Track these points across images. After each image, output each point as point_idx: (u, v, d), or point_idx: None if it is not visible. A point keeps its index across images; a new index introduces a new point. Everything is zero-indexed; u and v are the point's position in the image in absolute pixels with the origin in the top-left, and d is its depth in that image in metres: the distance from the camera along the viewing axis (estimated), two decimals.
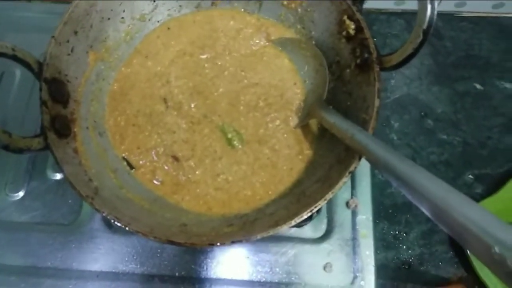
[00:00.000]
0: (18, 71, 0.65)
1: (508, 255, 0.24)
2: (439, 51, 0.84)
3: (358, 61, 0.48)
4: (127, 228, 0.40)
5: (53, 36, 0.46)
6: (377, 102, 0.44)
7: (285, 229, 0.53)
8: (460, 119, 0.80)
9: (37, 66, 0.46)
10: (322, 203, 0.41)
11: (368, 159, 0.41)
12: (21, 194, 0.58)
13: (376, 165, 0.40)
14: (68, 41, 0.48)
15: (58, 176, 0.58)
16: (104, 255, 0.54)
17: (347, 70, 0.50)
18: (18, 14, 0.71)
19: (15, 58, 0.44)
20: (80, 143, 0.47)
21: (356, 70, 0.49)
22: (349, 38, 0.49)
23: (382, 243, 0.71)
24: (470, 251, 0.29)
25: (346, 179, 0.42)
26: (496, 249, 0.25)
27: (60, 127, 0.45)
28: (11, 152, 0.40)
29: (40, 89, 0.44)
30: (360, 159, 0.42)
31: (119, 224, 0.40)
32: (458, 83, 0.82)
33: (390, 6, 0.82)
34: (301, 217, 0.40)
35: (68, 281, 0.53)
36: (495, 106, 0.79)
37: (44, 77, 0.45)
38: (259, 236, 0.40)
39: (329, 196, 0.41)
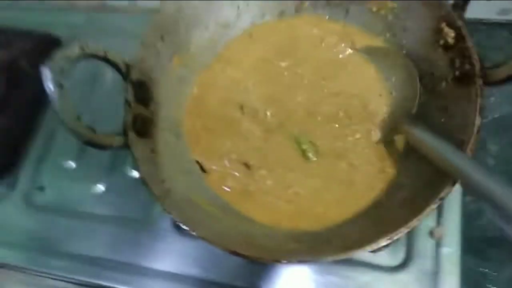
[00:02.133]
0: (109, 74, 0.69)
1: None
2: None
3: (457, 73, 0.43)
4: (194, 233, 0.40)
5: (141, 41, 0.48)
6: (478, 121, 0.39)
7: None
8: None
9: (125, 68, 0.48)
10: (404, 231, 0.36)
11: (463, 185, 0.36)
12: (102, 188, 0.62)
13: (473, 192, 0.35)
14: (155, 46, 0.50)
15: (135, 174, 0.61)
16: (170, 256, 0.54)
17: (443, 83, 0.45)
18: (115, 23, 0.76)
19: (106, 60, 0.46)
20: (158, 144, 0.48)
21: (454, 84, 0.43)
22: (447, 47, 0.44)
23: (468, 281, 0.62)
24: None
25: (435, 206, 0.37)
26: None
27: (140, 127, 0.47)
28: (93, 147, 0.43)
29: (126, 90, 0.46)
30: (454, 184, 0.37)
31: (186, 228, 0.40)
32: None
33: (492, 16, 0.73)
34: (378, 244, 0.36)
35: (131, 276, 0.55)
36: None
37: (130, 78, 0.47)
38: (329, 259, 0.37)
39: (413, 223, 0.36)
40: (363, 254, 0.51)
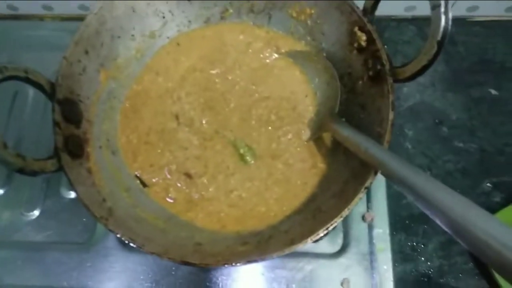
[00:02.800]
0: (31, 91, 0.65)
1: None
2: (453, 57, 0.82)
3: (371, 73, 0.47)
4: (143, 249, 0.40)
5: (64, 57, 0.47)
6: (391, 115, 0.44)
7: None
8: (476, 126, 0.78)
9: (49, 87, 0.46)
10: (338, 220, 0.40)
11: (384, 174, 0.40)
12: (36, 213, 0.58)
13: (392, 180, 0.39)
14: (79, 61, 0.48)
15: (72, 194, 0.59)
16: (119, 274, 0.54)
17: (360, 82, 0.49)
18: (30, 32, 0.72)
19: (27, 80, 0.44)
20: (94, 163, 0.47)
21: (369, 82, 0.48)
22: (360, 49, 0.49)
23: (400, 255, 0.69)
24: (492, 268, 0.28)
25: (362, 194, 0.41)
26: None
27: (74, 147, 0.45)
28: (25, 175, 0.41)
29: (53, 110, 0.45)
30: (376, 174, 0.41)
31: (134, 245, 0.40)
32: (473, 89, 0.80)
33: (400, 12, 0.81)
34: (317, 235, 0.40)
35: None
36: (511, 112, 0.77)
37: (56, 98, 0.45)
38: (274, 256, 0.39)
39: (345, 213, 0.40)
40: (306, 245, 0.54)
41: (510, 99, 0.78)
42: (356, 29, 0.48)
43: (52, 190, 0.59)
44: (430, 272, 0.68)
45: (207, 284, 0.52)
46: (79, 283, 0.54)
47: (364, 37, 0.47)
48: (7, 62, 0.42)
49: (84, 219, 0.58)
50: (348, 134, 0.45)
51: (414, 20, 0.82)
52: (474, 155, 0.75)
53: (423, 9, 0.81)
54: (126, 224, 0.43)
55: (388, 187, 0.60)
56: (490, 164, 0.75)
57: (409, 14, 0.81)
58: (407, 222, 0.71)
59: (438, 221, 0.33)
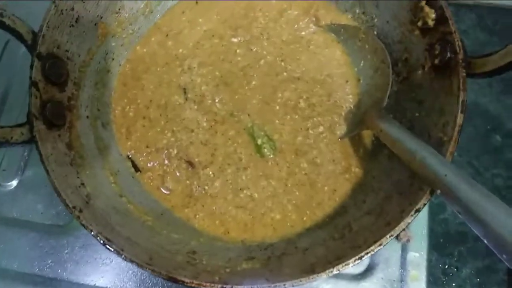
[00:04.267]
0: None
1: None
2: None
3: (436, 61, 0.37)
4: (120, 256, 0.31)
5: (53, 1, 0.37)
6: (460, 119, 0.34)
7: None
8: None
9: (30, 37, 0.37)
10: (375, 249, 0.31)
11: (444, 195, 0.31)
12: (13, 183, 0.50)
13: (456, 205, 0.30)
14: (72, 9, 0.39)
15: None
16: (99, 267, 0.46)
17: (419, 72, 0.39)
18: None
19: (3, 26, 0.35)
20: (76, 136, 0.39)
21: (432, 73, 0.37)
22: (425, 30, 0.38)
23: (429, 277, 0.59)
24: None
25: (411, 219, 0.31)
26: None
27: (52, 115, 0.37)
28: None
29: (31, 67, 0.36)
30: (432, 194, 0.32)
31: (110, 249, 0.32)
32: None
33: None
34: (347, 264, 0.30)
35: None
36: None
37: (38, 51, 0.36)
38: (287, 285, 0.30)
39: (386, 240, 0.31)
40: None
41: None
42: (423, 3, 0.37)
43: (35, 158, 0.51)
44: None
45: None
46: (52, 272, 0.46)
47: (433, 15, 0.37)
48: None
49: None
50: (398, 137, 0.35)
51: (476, 8, 0.70)
52: None
53: None
54: (106, 217, 0.35)
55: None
56: None
57: (470, 0, 0.69)
58: (441, 241, 0.61)
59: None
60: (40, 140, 0.34)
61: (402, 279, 0.44)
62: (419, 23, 0.38)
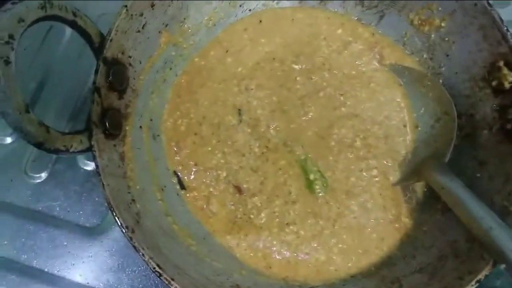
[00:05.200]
0: (69, 30, 0.54)
1: None
2: None
3: (509, 126, 0.36)
4: (171, 286, 0.30)
5: (125, 6, 0.36)
6: None
7: None
8: None
9: (98, 40, 0.36)
10: None
11: (508, 270, 0.30)
12: (43, 176, 0.49)
13: None
14: (142, 15, 0.38)
15: (90, 165, 0.49)
16: (123, 275, 0.44)
17: (484, 131, 0.38)
18: None
19: (74, 25, 0.34)
20: (129, 147, 0.37)
21: (500, 136, 0.37)
22: (499, 91, 0.37)
23: None
24: None
25: None
26: None
27: (111, 123, 0.35)
28: (45, 151, 0.30)
29: (96, 71, 0.34)
30: (494, 266, 0.31)
31: (161, 278, 0.30)
32: None
33: None
34: None
35: None
36: None
37: (104, 55, 0.35)
38: None
39: None
40: None
41: None
42: (501, 63, 0.36)
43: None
44: None
45: None
46: (72, 275, 0.45)
47: (511, 78, 0.36)
48: (68, 3, 0.32)
49: (97, 199, 0.48)
50: (463, 199, 0.34)
51: None
52: None
53: None
54: (154, 239, 0.34)
55: None
56: None
57: None
58: None
59: None
60: (98, 150, 0.33)
61: None
62: (494, 83, 0.37)
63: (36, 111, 0.50)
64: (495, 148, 0.37)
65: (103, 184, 0.32)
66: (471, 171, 0.38)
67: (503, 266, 0.30)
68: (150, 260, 0.31)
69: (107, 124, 0.35)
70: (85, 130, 0.33)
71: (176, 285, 0.30)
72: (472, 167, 0.38)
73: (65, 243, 0.46)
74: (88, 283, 0.45)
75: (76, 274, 0.45)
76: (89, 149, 0.33)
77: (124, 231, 0.31)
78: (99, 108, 0.34)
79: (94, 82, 0.34)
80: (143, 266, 0.45)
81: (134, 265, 0.45)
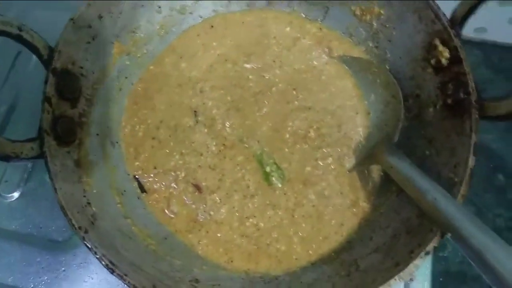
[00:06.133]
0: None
1: None
2: None
3: (449, 100, 0.37)
4: (123, 281, 0.31)
5: (71, 19, 0.38)
6: (472, 161, 0.34)
7: None
8: None
9: (47, 52, 0.37)
10: None
11: (455, 239, 0.30)
12: (15, 195, 0.50)
13: (464, 248, 0.29)
14: (90, 26, 0.39)
15: None
16: (98, 286, 0.44)
17: (430, 109, 0.39)
18: None
19: (20, 39, 0.35)
20: (85, 153, 0.38)
21: (444, 112, 0.38)
22: (438, 68, 0.38)
23: None
24: None
25: (420, 261, 0.31)
26: None
27: (63, 131, 0.36)
28: None
29: (46, 82, 0.36)
30: (443, 236, 0.31)
31: (114, 274, 0.31)
32: None
33: (467, 32, 0.69)
34: None
35: None
36: None
37: (53, 67, 0.36)
38: None
39: (394, 282, 0.30)
40: None
41: None
42: (437, 42, 0.38)
43: (38, 171, 0.51)
44: None
45: None
46: None
47: (447, 54, 0.37)
48: (13, 18, 0.34)
49: None
50: (409, 174, 0.35)
51: (481, 45, 0.70)
52: None
53: (494, 34, 0.69)
54: (111, 239, 0.34)
55: None
56: None
57: (477, 36, 0.70)
58: (441, 280, 0.60)
59: None
60: (50, 156, 0.34)
61: None
62: (433, 61, 0.39)
63: (7, 133, 0.52)
64: (440, 124, 0.38)
65: (55, 188, 0.33)
66: (420, 149, 0.39)
67: (449, 235, 0.31)
68: (103, 257, 0.31)
69: (59, 131, 0.36)
70: (37, 138, 0.34)
71: (130, 280, 0.31)
72: (421, 145, 0.39)
73: (38, 259, 0.47)
74: None
75: None
76: (41, 155, 0.34)
77: (76, 232, 0.32)
78: (50, 117, 0.35)
79: (44, 92, 0.35)
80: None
81: (108, 274, 0.45)
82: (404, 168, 0.36)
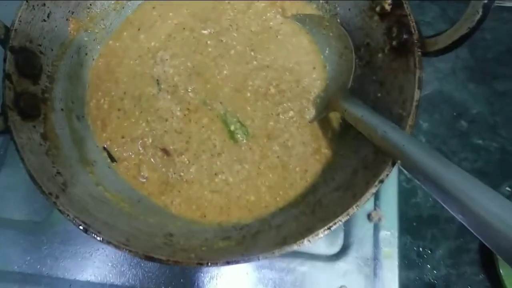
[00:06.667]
0: None
1: None
2: (478, 44, 0.74)
3: (394, 43, 0.39)
4: (97, 238, 0.32)
5: None
6: (417, 94, 0.36)
7: None
8: (498, 122, 0.70)
9: (3, 32, 0.38)
10: (343, 219, 0.32)
11: (404, 166, 0.33)
12: None
13: (414, 173, 0.32)
14: (44, 5, 0.40)
15: None
16: (78, 262, 0.46)
17: (379, 55, 0.41)
18: None
19: None
20: (51, 127, 0.39)
21: (391, 55, 0.40)
22: (383, 15, 0.40)
23: (403, 260, 0.62)
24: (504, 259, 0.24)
25: (375, 189, 0.33)
26: None
27: (26, 106, 0.37)
28: None
29: (5, 60, 0.37)
30: (393, 165, 0.34)
31: (87, 233, 0.32)
32: (498, 81, 0.72)
33: None
34: (316, 235, 0.32)
35: None
36: None
37: (10, 45, 0.37)
38: (260, 257, 0.31)
39: (352, 210, 0.32)
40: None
41: None
42: None
43: (11, 156, 0.51)
44: (435, 281, 0.60)
45: (181, 280, 0.45)
46: (32, 269, 0.46)
47: (389, 0, 0.39)
48: None
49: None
50: (361, 115, 0.37)
51: (438, 1, 0.73)
52: (494, 154, 0.68)
53: None
54: (83, 204, 0.35)
55: (399, 183, 0.52)
56: (511, 166, 0.67)
57: None
58: (414, 224, 0.64)
59: (468, 225, 0.27)
60: (15, 130, 0.35)
61: (375, 257, 0.45)
62: (377, 9, 0.41)
63: None
64: (389, 67, 0.40)
65: (22, 159, 0.34)
66: (373, 93, 0.41)
67: (399, 162, 0.33)
68: (75, 219, 0.33)
69: (22, 107, 0.37)
70: (1, 114, 0.35)
71: (103, 237, 0.32)
72: (374, 89, 0.41)
73: (21, 241, 0.48)
74: (47, 273, 0.46)
75: (35, 267, 0.46)
76: (6, 130, 0.35)
77: (47, 197, 0.33)
78: (11, 93, 0.36)
79: (3, 70, 0.36)
80: (100, 249, 0.46)
81: (88, 247, 0.47)
82: (356, 109, 0.38)
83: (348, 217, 0.32)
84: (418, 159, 0.31)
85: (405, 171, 0.33)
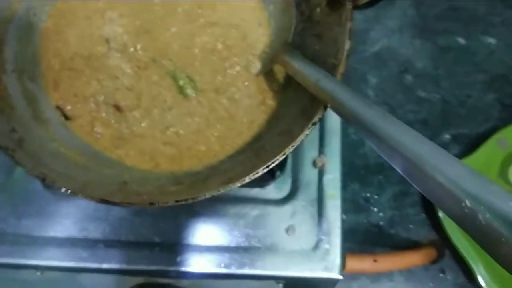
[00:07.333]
0: None
1: (480, 209, 0.21)
2: (423, 2, 0.78)
3: None
4: (53, 185, 0.34)
5: None
6: (347, 45, 0.39)
7: (246, 190, 0.48)
8: (441, 75, 0.75)
9: None
10: (280, 158, 0.36)
11: (333, 108, 0.36)
12: None
13: (343, 115, 0.35)
14: None
15: None
16: (41, 219, 0.48)
17: (317, 10, 0.43)
18: None
19: None
20: (3, 88, 0.40)
21: (327, 10, 0.42)
22: None
23: (352, 205, 0.68)
24: (440, 207, 0.25)
25: (309, 131, 0.37)
26: (467, 202, 0.22)
27: None
28: None
29: None
30: (325, 108, 0.37)
31: (45, 182, 0.34)
32: (441, 37, 0.77)
33: None
34: (257, 173, 0.35)
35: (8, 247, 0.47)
36: (477, 63, 0.74)
37: None
38: (207, 195, 0.35)
39: (288, 150, 0.36)
40: (252, 190, 0.51)
41: (477, 49, 0.75)
42: None
43: None
44: (381, 222, 0.66)
45: (141, 230, 0.48)
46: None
47: None
48: None
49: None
50: (299, 66, 0.40)
51: None
52: (436, 105, 0.73)
53: None
54: (39, 157, 0.37)
55: (345, 135, 0.56)
56: (451, 116, 0.73)
57: None
58: (362, 173, 0.69)
59: (390, 160, 0.30)
60: None
61: (320, 199, 0.50)
62: None
63: None
64: (325, 21, 0.42)
65: None
66: (312, 46, 0.44)
67: (329, 106, 0.36)
68: (32, 170, 0.35)
69: None
70: None
71: (59, 184, 0.34)
72: (313, 43, 0.44)
73: None
74: (11, 231, 0.48)
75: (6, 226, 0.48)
76: None
77: (4, 151, 0.35)
78: None
79: None
80: (63, 207, 0.49)
81: (52, 205, 0.49)
82: (296, 62, 0.40)
83: (284, 156, 0.36)
84: (344, 101, 0.34)
85: (335, 114, 0.36)
